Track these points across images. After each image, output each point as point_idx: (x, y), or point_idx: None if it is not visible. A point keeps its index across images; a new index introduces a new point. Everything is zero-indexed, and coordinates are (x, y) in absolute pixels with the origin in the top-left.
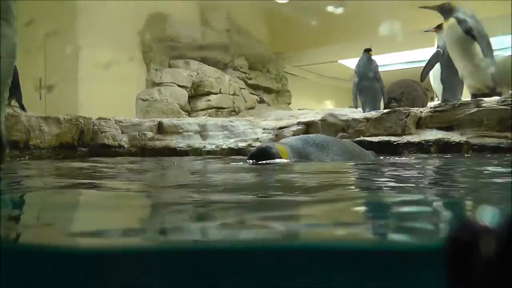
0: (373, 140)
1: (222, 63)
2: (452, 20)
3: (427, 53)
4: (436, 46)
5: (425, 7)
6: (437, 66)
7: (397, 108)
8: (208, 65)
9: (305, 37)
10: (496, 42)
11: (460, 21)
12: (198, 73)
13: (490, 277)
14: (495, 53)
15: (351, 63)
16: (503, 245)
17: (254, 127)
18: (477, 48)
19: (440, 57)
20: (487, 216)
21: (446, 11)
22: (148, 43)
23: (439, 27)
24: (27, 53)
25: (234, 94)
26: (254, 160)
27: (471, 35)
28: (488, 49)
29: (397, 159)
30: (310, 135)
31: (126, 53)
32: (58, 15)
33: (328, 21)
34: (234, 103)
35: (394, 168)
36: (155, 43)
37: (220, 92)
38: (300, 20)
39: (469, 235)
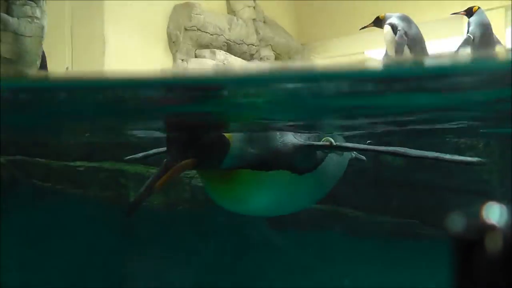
0: None
1: (249, 54)
2: (387, 27)
3: (455, 42)
4: (466, 31)
5: (364, 27)
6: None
7: None
8: (234, 55)
9: (332, 26)
10: None
11: (393, 28)
12: (224, 63)
13: (496, 273)
14: None
15: (378, 54)
16: (509, 241)
17: None
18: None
19: (471, 43)
20: (493, 212)
21: (380, 22)
22: (174, 32)
23: (469, 11)
24: (54, 40)
25: None
26: None
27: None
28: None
29: None
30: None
31: (153, 42)
32: (85, 4)
33: (355, 10)
34: None
35: None
36: (182, 32)
37: None
38: (328, 9)
39: (475, 232)
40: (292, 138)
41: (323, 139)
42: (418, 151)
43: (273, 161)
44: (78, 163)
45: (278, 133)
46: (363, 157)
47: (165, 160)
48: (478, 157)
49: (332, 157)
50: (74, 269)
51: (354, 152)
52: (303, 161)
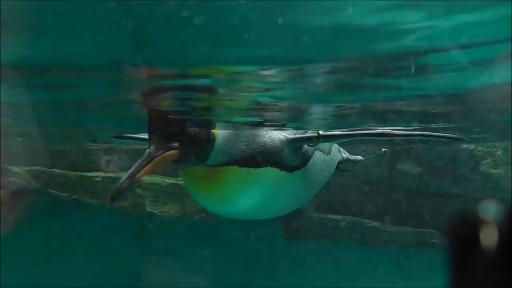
0: None
1: None
2: None
3: None
4: None
5: None
6: None
7: None
8: None
9: None
10: None
11: None
12: None
13: (490, 268)
14: None
15: None
16: (503, 237)
17: None
18: None
19: None
20: (487, 209)
21: None
22: None
23: None
24: None
25: None
26: None
27: None
28: None
29: None
30: None
31: None
32: None
33: None
34: None
35: None
36: None
37: None
38: None
39: (469, 227)
40: (278, 134)
41: (309, 131)
42: (404, 131)
43: (262, 157)
44: (95, 173)
45: (264, 129)
46: (361, 157)
47: (147, 150)
48: None
49: (320, 156)
50: (91, 277)
51: (346, 153)
52: (292, 157)
